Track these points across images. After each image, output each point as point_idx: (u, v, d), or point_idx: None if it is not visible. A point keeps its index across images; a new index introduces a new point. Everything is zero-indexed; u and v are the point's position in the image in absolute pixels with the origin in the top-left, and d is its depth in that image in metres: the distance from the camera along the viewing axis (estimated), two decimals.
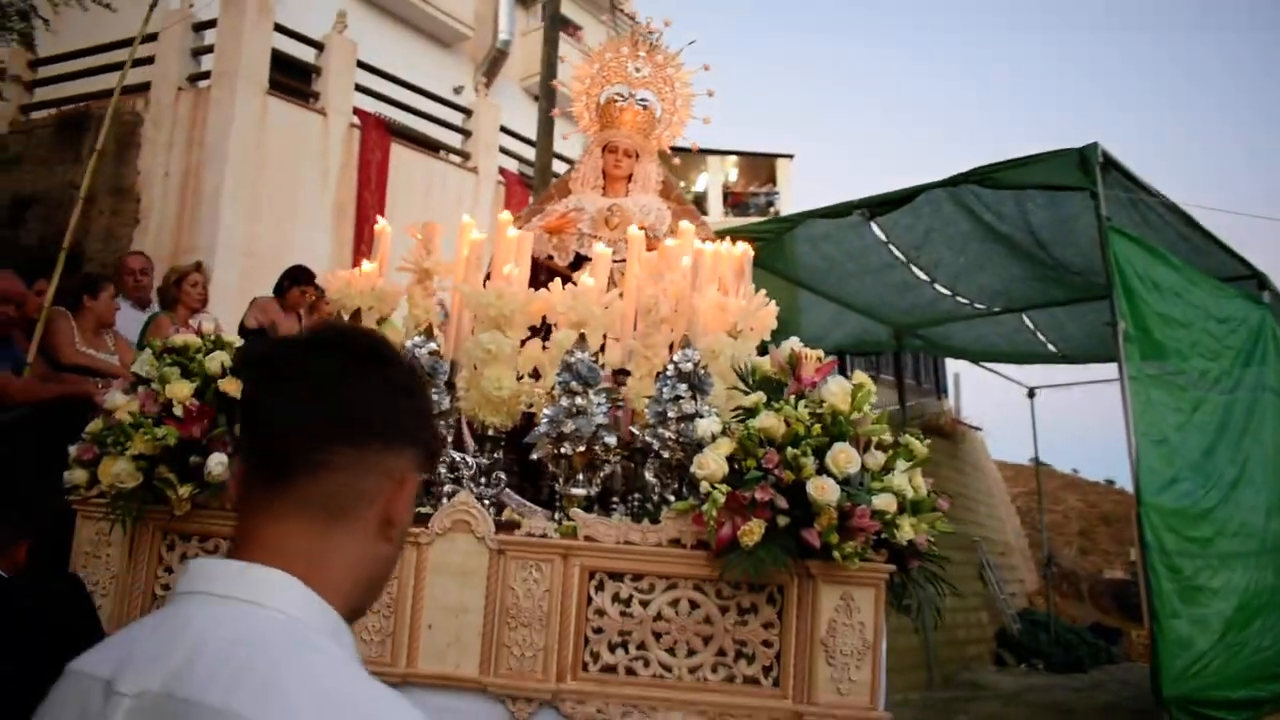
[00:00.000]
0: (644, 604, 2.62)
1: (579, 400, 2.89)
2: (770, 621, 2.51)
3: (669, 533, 2.59)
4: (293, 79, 12.17)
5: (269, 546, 1.04)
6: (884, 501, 2.37)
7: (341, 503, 1.07)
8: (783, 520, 2.39)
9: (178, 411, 3.07)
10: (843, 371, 10.57)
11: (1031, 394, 12.49)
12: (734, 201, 24.13)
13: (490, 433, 3.25)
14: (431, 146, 13.33)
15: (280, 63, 11.85)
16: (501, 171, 13.87)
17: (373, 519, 1.09)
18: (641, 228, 4.70)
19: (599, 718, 2.58)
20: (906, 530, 2.39)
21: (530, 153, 14.54)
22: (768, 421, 2.51)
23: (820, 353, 2.74)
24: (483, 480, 2.99)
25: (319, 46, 12.07)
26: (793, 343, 2.78)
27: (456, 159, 13.63)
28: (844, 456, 2.41)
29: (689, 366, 2.85)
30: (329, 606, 1.04)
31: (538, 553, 2.73)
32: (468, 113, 13.89)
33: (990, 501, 13.75)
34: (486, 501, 2.92)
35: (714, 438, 2.56)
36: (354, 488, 1.08)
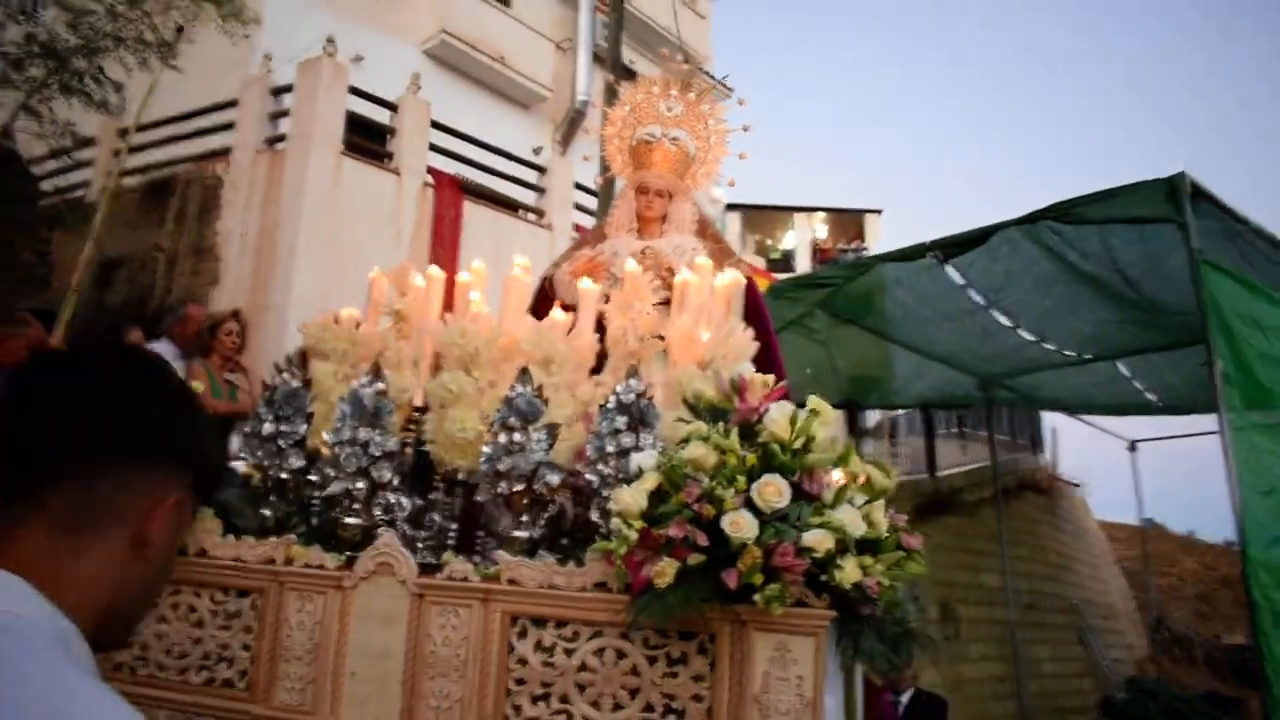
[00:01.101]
0: (568, 653, 2.39)
1: (516, 437, 2.72)
2: (701, 674, 2.24)
3: (594, 576, 2.36)
4: (368, 140, 12.47)
5: (9, 555, 1.01)
6: (814, 538, 2.10)
7: (88, 518, 1.05)
8: (695, 559, 2.14)
9: None
10: (929, 427, 10.19)
11: (1133, 448, 11.77)
12: (822, 258, 23.90)
13: (459, 476, 3.12)
14: (507, 205, 13.44)
15: (357, 124, 12.16)
16: (577, 228, 13.89)
17: (124, 536, 1.06)
18: (668, 270, 4.58)
19: None
20: (850, 572, 2.11)
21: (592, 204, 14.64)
22: (696, 452, 2.28)
23: (770, 378, 2.49)
24: (413, 523, 2.82)
25: (393, 108, 12.33)
26: (744, 369, 2.54)
27: (532, 216, 13.73)
28: (771, 489, 2.15)
29: (630, 398, 2.65)
30: (60, 614, 1.00)
31: (456, 597, 2.52)
32: (543, 170, 14.00)
33: (1093, 562, 12.98)
34: (420, 545, 2.75)
35: (640, 472, 2.34)
36: (103, 503, 1.05)
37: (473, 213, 12.55)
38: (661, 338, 3.31)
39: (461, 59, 15.46)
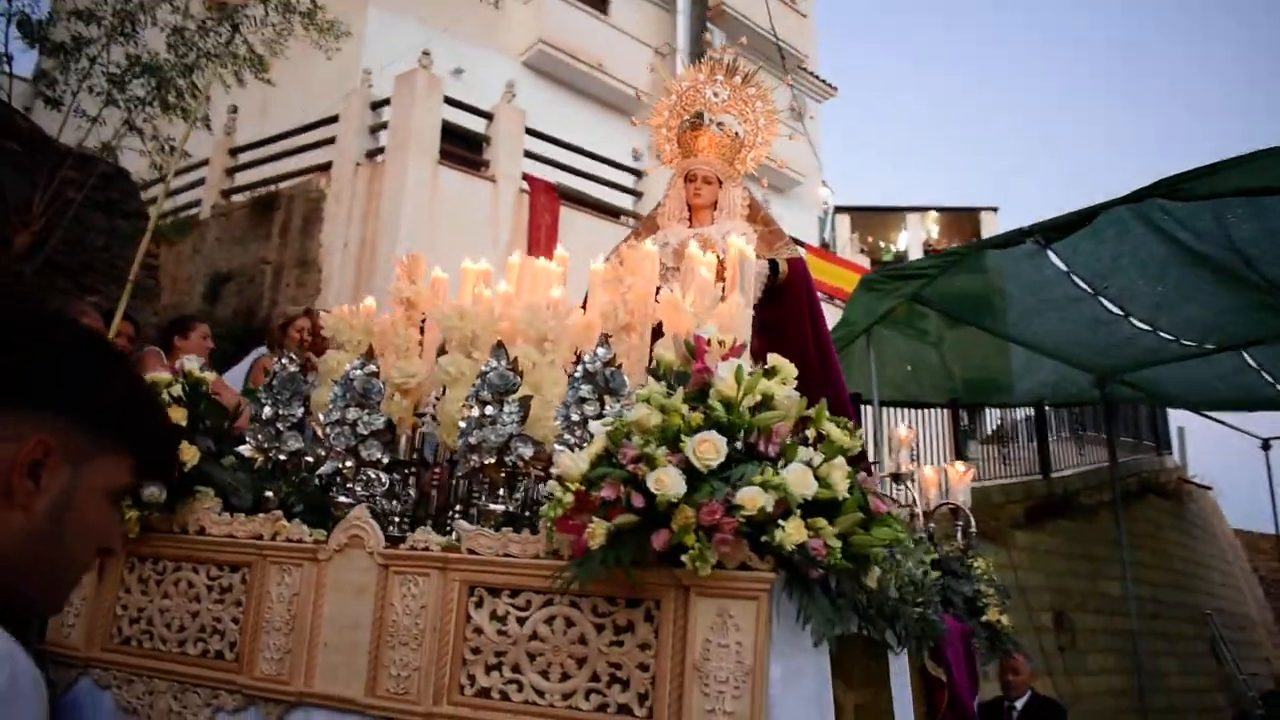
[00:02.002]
0: (520, 621, 2.33)
1: (489, 410, 2.68)
2: (647, 642, 2.14)
3: (546, 543, 2.30)
4: (467, 150, 12.72)
5: None
6: (746, 496, 1.98)
7: None
8: (624, 520, 2.05)
9: None
10: (1041, 427, 9.80)
11: (1266, 446, 11.01)
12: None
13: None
14: (606, 210, 13.52)
15: (455, 135, 12.42)
16: None
17: None
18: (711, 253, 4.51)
19: None
20: (792, 533, 1.98)
21: None
22: (639, 413, 2.18)
23: (732, 337, 2.38)
24: (390, 498, 2.81)
25: (489, 117, 12.55)
26: (708, 331, 2.43)
27: (634, 221, 13.78)
28: (706, 446, 2.04)
29: (596, 366, 2.58)
30: None
31: (417, 566, 2.49)
32: (641, 175, 14.04)
33: (1225, 570, 12.20)
34: (396, 518, 2.74)
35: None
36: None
37: (571, 218, 12.66)
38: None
39: (560, 67, 15.65)
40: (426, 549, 2.50)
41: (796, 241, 15.66)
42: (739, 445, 2.17)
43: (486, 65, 14.49)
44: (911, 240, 22.70)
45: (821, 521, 2.04)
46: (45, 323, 1.12)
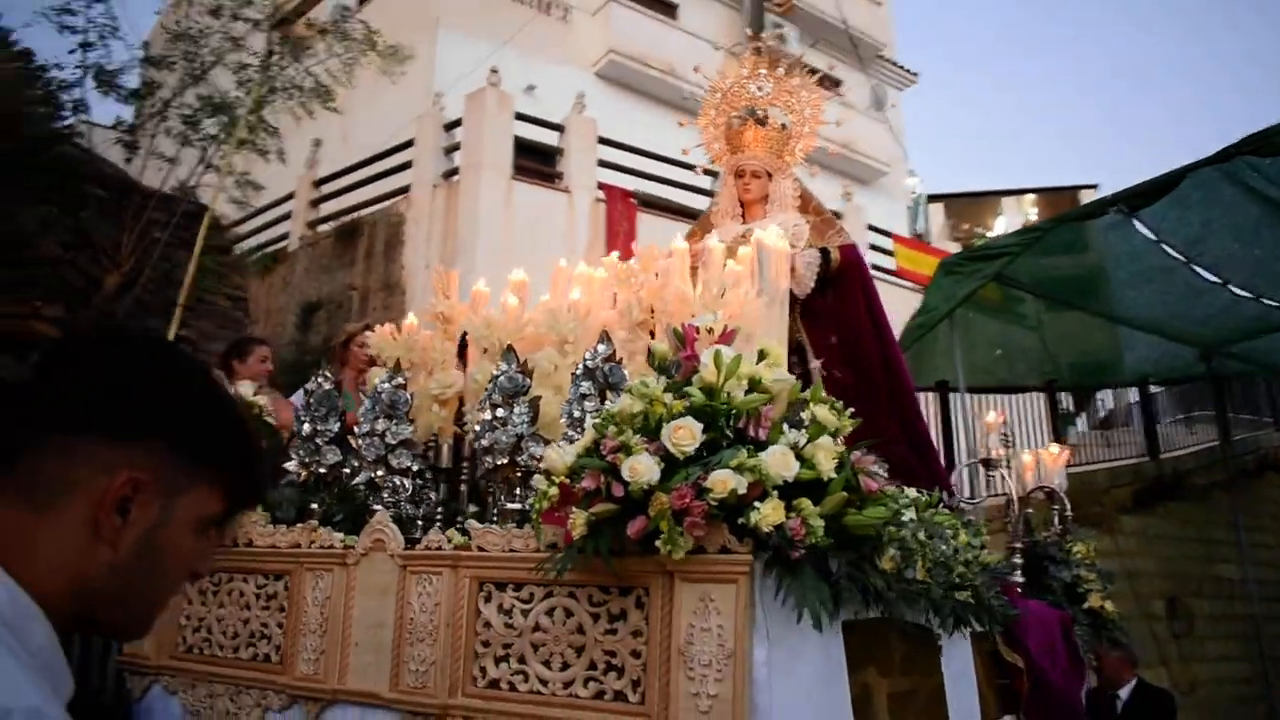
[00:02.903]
0: (524, 614, 2.40)
1: (500, 413, 2.77)
2: (638, 629, 2.18)
3: (547, 537, 2.36)
4: (544, 164, 12.93)
5: None
6: (717, 479, 2.00)
7: (49, 493, 1.02)
8: (602, 509, 2.10)
9: None
10: (1146, 404, 9.52)
11: None
12: None
13: None
14: (685, 213, 13.57)
15: (531, 150, 12.65)
16: None
17: (80, 514, 1.02)
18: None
19: None
20: (768, 514, 2.00)
21: None
22: (622, 404, 2.23)
23: (719, 326, 2.41)
24: (413, 503, 2.92)
25: (560, 129, 12.73)
26: (704, 320, 2.47)
27: None
28: (681, 433, 2.08)
29: (596, 363, 2.64)
30: (19, 590, 0.98)
31: (431, 565, 2.60)
32: (717, 175, 14.05)
33: None
34: (420, 521, 2.84)
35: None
36: (63, 478, 1.02)
37: (649, 224, 12.73)
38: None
39: (631, 75, 15.77)
40: (439, 548, 2.60)
41: (883, 232, 15.49)
42: (729, 430, 2.20)
43: (558, 79, 14.68)
44: (1009, 225, 22.13)
45: (805, 502, 2.06)
46: (142, 350, 1.13)
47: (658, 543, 2.02)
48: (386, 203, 12.47)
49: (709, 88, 5.11)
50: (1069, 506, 5.70)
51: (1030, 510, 5.84)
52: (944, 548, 3.10)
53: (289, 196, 13.36)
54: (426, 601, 2.58)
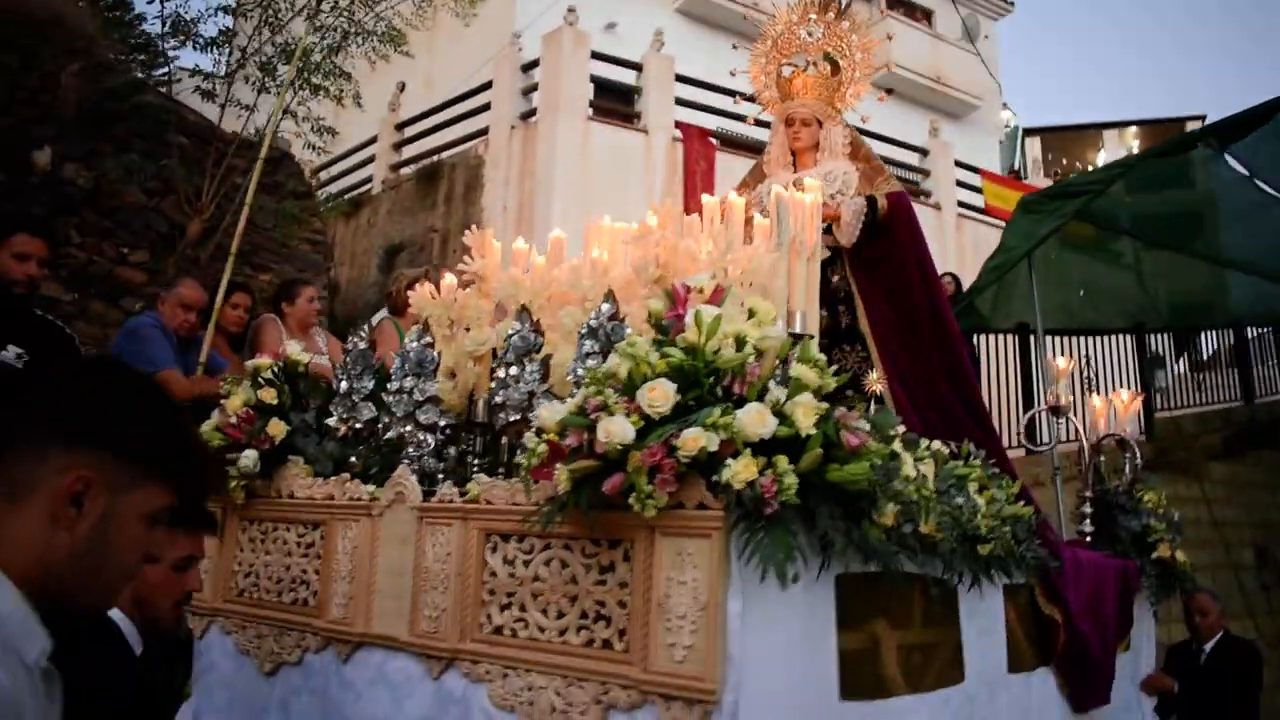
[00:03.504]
0: (525, 564, 2.52)
1: (513, 371, 2.88)
2: (625, 580, 2.28)
3: (547, 490, 2.46)
4: (623, 104, 12.92)
5: None
6: (687, 437, 2.07)
7: (21, 489, 1.27)
8: (582, 466, 2.18)
9: (232, 420, 3.52)
10: (1241, 350, 9.34)
11: None
12: None
13: None
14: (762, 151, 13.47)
15: (610, 90, 12.66)
16: None
17: (43, 507, 1.27)
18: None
19: (486, 678, 2.52)
20: (740, 471, 2.06)
21: (873, 145, 14.26)
22: (611, 363, 2.31)
23: (711, 284, 2.45)
24: (436, 457, 3.05)
25: (638, 68, 12.69)
26: (698, 279, 2.51)
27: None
28: (655, 393, 2.14)
29: (600, 321, 2.71)
30: None
31: (443, 517, 2.74)
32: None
33: None
34: (441, 475, 2.97)
35: None
36: (31, 477, 1.27)
37: (729, 163, 12.65)
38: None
39: (713, 11, 15.56)
40: (451, 501, 2.73)
41: (971, 168, 15.10)
42: (718, 389, 2.27)
43: (639, 17, 14.60)
44: (1110, 159, 21.35)
45: (781, 459, 2.11)
46: (92, 370, 1.44)
47: (631, 499, 2.10)
48: (466, 145, 12.64)
49: (760, 35, 5.08)
50: (1139, 455, 5.60)
51: (1102, 458, 5.77)
52: (960, 501, 3.12)
53: (372, 140, 13.62)
54: (439, 551, 2.72)
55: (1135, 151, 21.99)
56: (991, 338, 10.28)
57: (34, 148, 7.54)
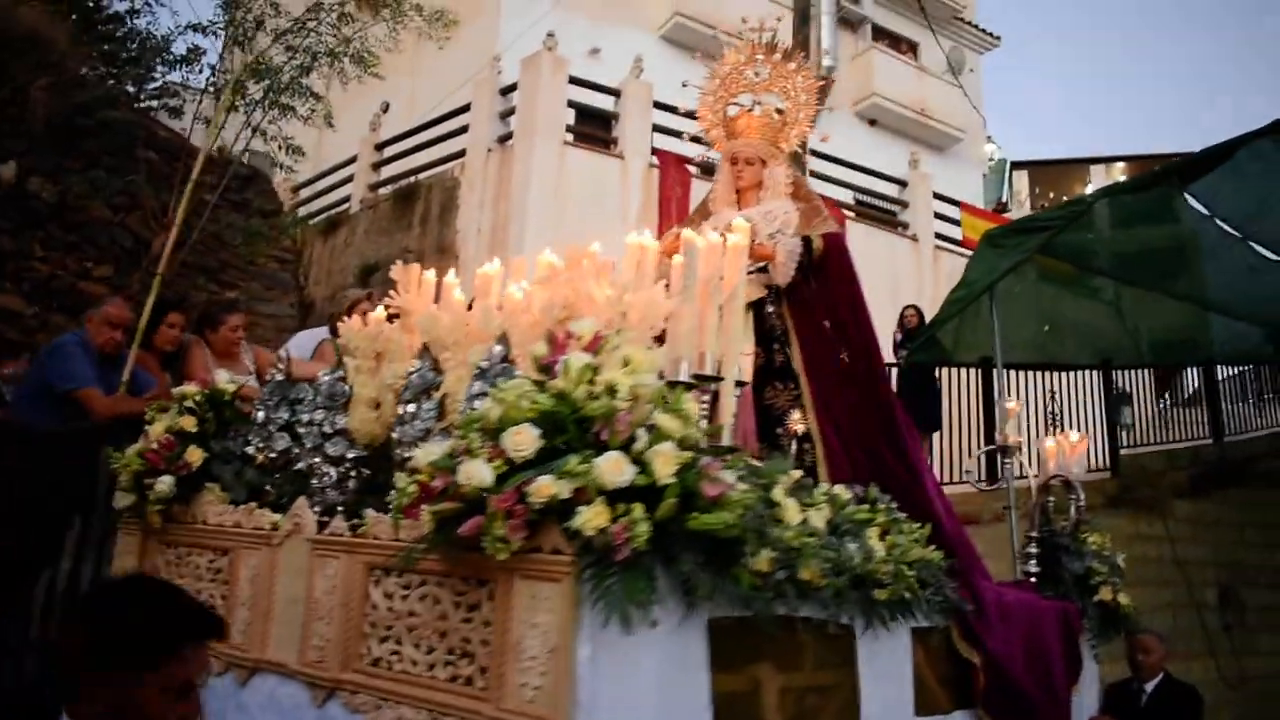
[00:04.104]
0: (403, 599, 2.60)
1: (410, 408, 2.96)
2: (489, 619, 2.36)
3: (426, 529, 2.54)
4: (604, 130, 13.05)
5: None
6: (540, 484, 2.15)
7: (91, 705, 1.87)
8: (445, 508, 2.27)
9: (154, 446, 3.60)
10: (1210, 388, 9.39)
11: None
12: None
13: None
14: None
15: (591, 115, 12.78)
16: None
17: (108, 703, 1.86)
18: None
19: (363, 709, 2.60)
20: (591, 518, 2.14)
21: (853, 176, 14.41)
22: (484, 408, 2.39)
23: (593, 330, 2.53)
24: (338, 489, 3.12)
25: (616, 94, 12.82)
26: (584, 324, 2.60)
27: None
28: (518, 438, 2.23)
29: (490, 364, 2.80)
30: None
31: (332, 550, 2.83)
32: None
33: None
34: (340, 508, 3.05)
35: None
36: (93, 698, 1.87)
37: (703, 190, 12.79)
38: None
39: (697, 39, 15.67)
40: (340, 534, 2.81)
41: (950, 200, 15.24)
42: (588, 435, 2.34)
43: (623, 43, 14.74)
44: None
45: (637, 507, 2.19)
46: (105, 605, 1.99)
47: (483, 542, 2.19)
48: (443, 167, 12.75)
49: (708, 74, 5.19)
50: (1082, 496, 5.67)
51: (1051, 499, 5.83)
52: (853, 546, 3.19)
53: (353, 159, 13.74)
54: (327, 583, 2.80)
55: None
56: (958, 371, 10.37)
57: None
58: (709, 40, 15.71)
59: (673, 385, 3.11)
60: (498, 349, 2.85)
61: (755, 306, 4.81)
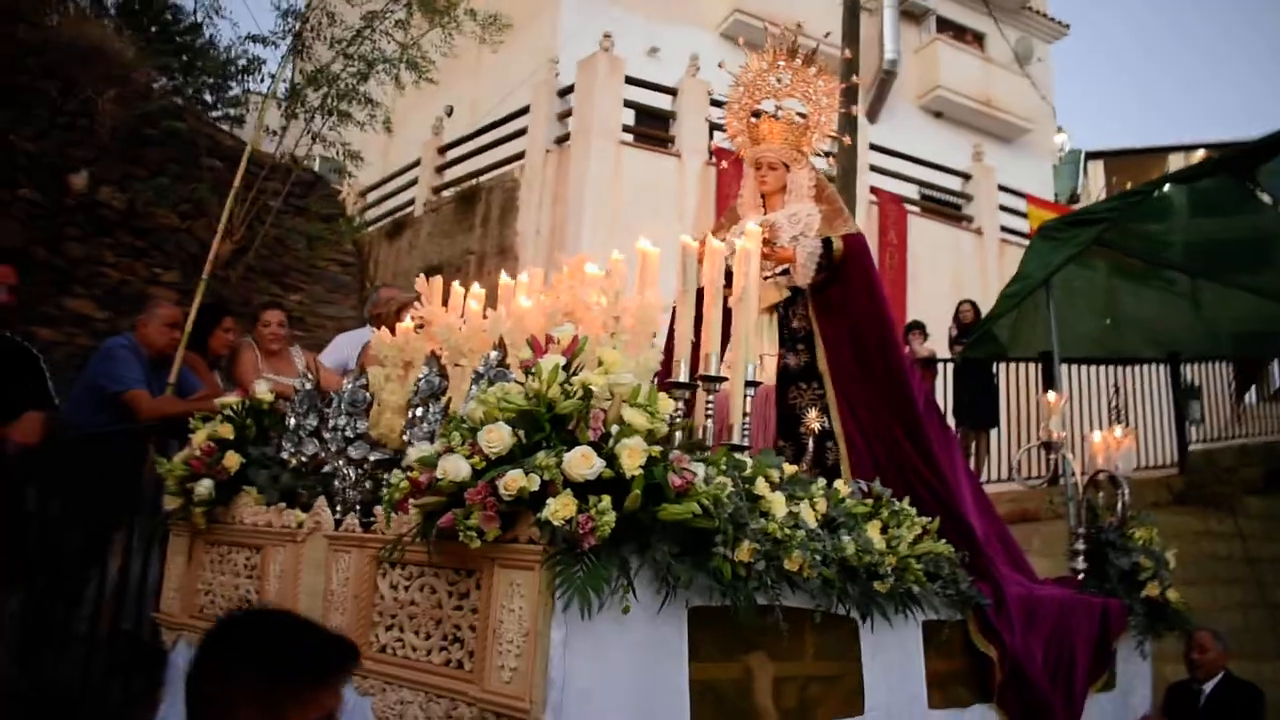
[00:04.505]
0: (406, 589, 2.80)
1: (419, 412, 3.17)
2: (476, 606, 2.54)
3: (385, 524, 2.75)
4: (664, 129, 13.21)
5: None
6: (510, 477, 2.32)
7: None
8: (430, 501, 2.45)
9: (196, 452, 3.88)
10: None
11: None
12: None
13: None
14: None
15: (651, 115, 12.96)
16: (873, 191, 13.79)
17: None
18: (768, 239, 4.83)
19: (372, 691, 2.81)
20: (558, 509, 2.30)
21: (918, 171, 14.36)
22: (469, 408, 2.57)
23: (572, 334, 2.69)
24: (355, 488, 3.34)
25: (673, 93, 12.96)
26: (565, 329, 2.77)
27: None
28: (492, 435, 2.40)
29: (488, 368, 2.98)
30: None
31: (345, 545, 3.05)
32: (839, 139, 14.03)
33: None
34: (358, 507, 3.26)
35: None
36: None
37: None
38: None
39: (758, 35, 15.71)
40: (351, 530, 3.03)
41: (1015, 193, 15.06)
42: (563, 432, 2.52)
43: (682, 41, 14.86)
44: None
45: (604, 499, 2.35)
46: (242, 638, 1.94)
47: (459, 531, 2.37)
48: (504, 169, 13.03)
49: (733, 81, 5.33)
50: (1127, 491, 5.66)
51: (1101, 494, 5.85)
52: (846, 539, 3.28)
53: (416, 163, 14.12)
54: (341, 576, 3.03)
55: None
56: (1018, 366, 10.31)
57: (71, 171, 8.09)
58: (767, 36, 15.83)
59: (673, 386, 3.30)
60: (494, 354, 3.03)
61: (780, 309, 4.93)
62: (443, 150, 14.23)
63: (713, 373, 3.38)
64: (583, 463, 2.36)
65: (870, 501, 3.66)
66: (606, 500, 2.36)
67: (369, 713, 2.80)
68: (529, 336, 2.79)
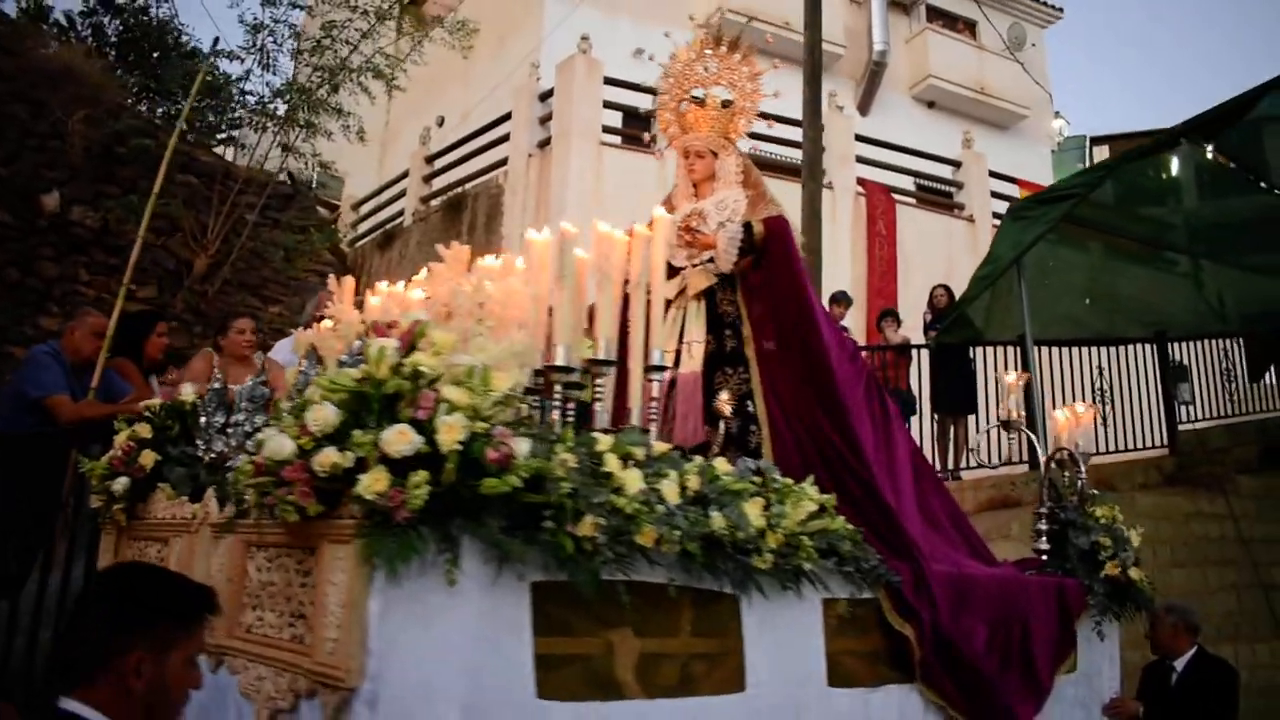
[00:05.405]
0: (268, 570, 2.95)
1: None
2: (317, 583, 2.68)
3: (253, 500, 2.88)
4: (644, 129, 13.34)
5: None
6: (323, 455, 2.45)
7: (118, 673, 2.17)
8: (263, 480, 2.59)
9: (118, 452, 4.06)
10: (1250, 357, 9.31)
11: None
12: None
13: None
14: (787, 169, 13.70)
15: (636, 117, 13.10)
16: (861, 181, 13.84)
17: (126, 674, 2.17)
18: (688, 228, 4.96)
19: (238, 670, 2.96)
20: (370, 484, 2.40)
21: (909, 161, 14.38)
22: (309, 392, 2.71)
23: (413, 319, 2.82)
24: None
25: (653, 92, 13.05)
26: (411, 316, 2.89)
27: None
28: (315, 415, 2.54)
29: (350, 357, 3.11)
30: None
31: (220, 532, 3.21)
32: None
33: None
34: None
35: None
36: (119, 666, 2.17)
37: None
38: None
39: (745, 33, 15.83)
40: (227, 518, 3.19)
41: (1007, 178, 15.04)
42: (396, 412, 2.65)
43: (669, 42, 14.90)
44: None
45: (419, 474, 2.47)
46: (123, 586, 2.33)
47: (277, 508, 2.51)
48: (489, 175, 13.21)
49: (662, 72, 5.45)
50: (1083, 469, 5.68)
51: (1064, 473, 5.87)
52: (715, 514, 3.36)
53: (404, 175, 14.34)
54: (219, 562, 3.18)
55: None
56: (997, 351, 10.31)
57: (43, 191, 8.32)
58: (754, 36, 15.90)
59: (552, 369, 3.43)
60: (357, 344, 3.17)
61: (708, 294, 5.04)
62: (430, 160, 14.43)
63: (561, 362, 3.46)
64: (399, 439, 2.49)
65: (759, 479, 3.74)
66: (422, 475, 2.48)
67: (236, 691, 2.95)
68: (372, 323, 2.93)
